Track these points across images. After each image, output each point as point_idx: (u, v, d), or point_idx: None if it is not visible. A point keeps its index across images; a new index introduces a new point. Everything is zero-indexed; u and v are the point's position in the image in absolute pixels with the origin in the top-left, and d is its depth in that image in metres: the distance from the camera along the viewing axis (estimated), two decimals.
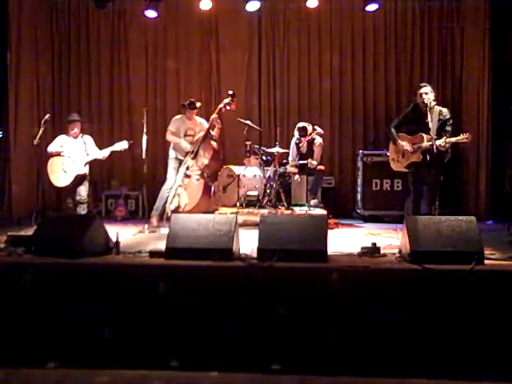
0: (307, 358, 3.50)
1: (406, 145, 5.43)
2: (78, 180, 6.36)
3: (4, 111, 7.50)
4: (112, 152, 6.48)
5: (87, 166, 6.47)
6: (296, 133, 7.34)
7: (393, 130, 5.61)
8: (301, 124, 7.29)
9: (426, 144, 5.17)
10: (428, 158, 5.26)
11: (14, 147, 7.50)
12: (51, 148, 6.38)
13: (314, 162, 7.03)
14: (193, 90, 8.43)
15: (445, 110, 5.35)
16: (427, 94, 5.29)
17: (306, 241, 3.87)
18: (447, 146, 5.11)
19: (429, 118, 5.18)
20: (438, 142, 5.09)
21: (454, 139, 5.13)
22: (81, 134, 6.53)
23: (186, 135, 6.53)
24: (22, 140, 7.50)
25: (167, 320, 3.64)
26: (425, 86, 5.40)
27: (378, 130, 8.20)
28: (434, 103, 5.31)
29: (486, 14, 7.55)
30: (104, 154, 6.44)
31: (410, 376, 3.37)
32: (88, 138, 6.58)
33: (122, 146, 6.38)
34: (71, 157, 6.34)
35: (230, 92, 6.44)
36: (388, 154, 5.92)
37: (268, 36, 8.48)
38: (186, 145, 6.43)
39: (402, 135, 5.56)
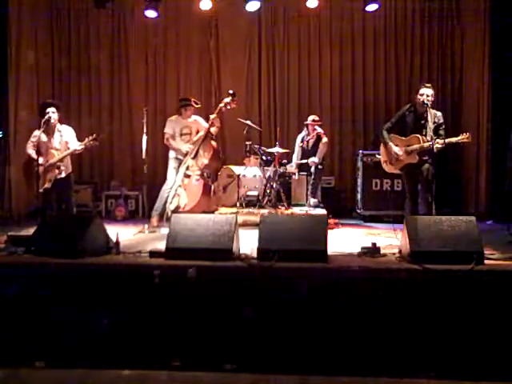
0: (307, 358, 3.50)
1: (398, 150, 5.37)
2: (55, 180, 5.60)
3: (4, 111, 7.49)
4: (85, 147, 5.62)
5: (66, 163, 5.72)
6: (304, 131, 7.37)
7: (385, 133, 5.50)
8: (311, 117, 7.32)
9: (427, 144, 5.13)
10: (424, 158, 5.26)
11: (13, 147, 7.50)
12: (28, 149, 5.63)
13: (316, 160, 7.05)
14: (193, 89, 8.43)
15: (439, 114, 5.31)
16: (428, 96, 5.27)
17: (305, 241, 3.87)
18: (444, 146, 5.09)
19: (428, 119, 5.18)
20: (439, 146, 5.03)
21: (454, 139, 5.10)
22: (58, 125, 5.71)
23: (181, 134, 6.52)
24: (21, 140, 7.48)
25: (167, 320, 3.64)
26: (428, 86, 5.34)
27: (378, 130, 8.18)
28: (430, 105, 5.29)
29: (486, 13, 7.54)
30: (79, 146, 5.60)
31: (410, 376, 3.37)
32: (67, 130, 5.78)
33: (87, 142, 5.55)
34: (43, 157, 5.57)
35: (231, 91, 6.43)
36: (379, 156, 5.85)
37: (268, 36, 8.48)
38: (185, 148, 6.40)
39: (394, 137, 5.47)
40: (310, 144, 7.26)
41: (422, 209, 5.34)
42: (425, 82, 5.90)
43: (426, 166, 5.29)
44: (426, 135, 5.16)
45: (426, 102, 5.21)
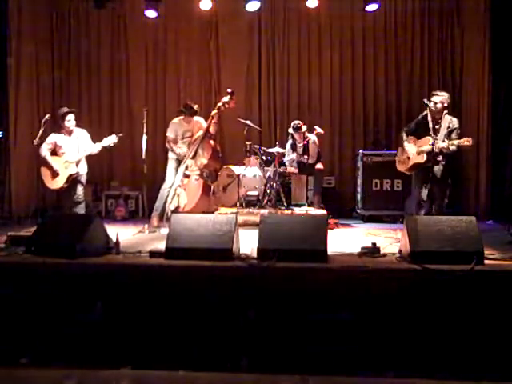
0: (307, 357, 3.50)
1: (410, 150, 5.55)
2: (72, 180, 5.95)
3: (4, 111, 7.49)
4: (104, 148, 6.05)
5: (82, 164, 6.05)
6: (290, 139, 7.37)
7: (403, 134, 5.72)
8: (294, 123, 7.23)
9: (426, 148, 5.31)
10: (435, 159, 5.34)
11: (14, 147, 7.50)
12: (43, 151, 5.93)
13: (311, 161, 7.12)
14: (193, 90, 8.44)
15: (454, 120, 5.50)
16: (436, 103, 5.43)
17: (306, 241, 3.87)
18: (451, 147, 5.20)
19: (442, 124, 5.32)
20: (442, 145, 5.24)
21: (456, 142, 5.22)
22: (74, 128, 6.07)
23: (183, 138, 6.53)
24: (22, 140, 7.49)
25: (167, 319, 3.64)
26: (437, 94, 5.51)
27: (378, 130, 8.21)
28: (445, 111, 5.42)
29: (486, 13, 7.54)
30: (97, 148, 6.02)
31: (410, 376, 3.37)
32: (82, 133, 6.14)
33: (110, 140, 6.00)
34: (61, 158, 5.94)
35: (229, 90, 6.41)
36: (395, 152, 6.04)
37: (268, 36, 8.48)
38: (184, 153, 6.41)
39: (411, 138, 5.65)
40: (301, 150, 7.25)
41: (435, 210, 5.42)
42: (435, 89, 6.11)
43: (439, 167, 5.38)
44: (438, 139, 5.32)
45: (433, 109, 5.41)
